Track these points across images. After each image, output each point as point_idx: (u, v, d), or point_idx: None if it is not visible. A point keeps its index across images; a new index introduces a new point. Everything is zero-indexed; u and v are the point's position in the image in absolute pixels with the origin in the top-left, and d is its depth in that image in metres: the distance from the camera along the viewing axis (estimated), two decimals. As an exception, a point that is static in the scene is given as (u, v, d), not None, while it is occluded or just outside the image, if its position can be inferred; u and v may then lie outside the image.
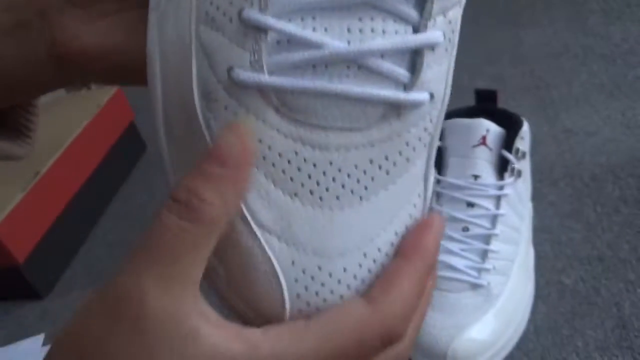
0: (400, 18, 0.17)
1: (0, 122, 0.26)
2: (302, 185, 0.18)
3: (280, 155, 0.18)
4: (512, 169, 0.43)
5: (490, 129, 0.42)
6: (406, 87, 0.18)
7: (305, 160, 0.18)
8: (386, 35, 0.17)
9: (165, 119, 0.19)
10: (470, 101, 0.49)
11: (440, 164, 0.44)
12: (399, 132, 0.18)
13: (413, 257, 0.19)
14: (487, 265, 0.41)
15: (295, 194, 0.18)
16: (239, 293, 0.18)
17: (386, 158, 0.18)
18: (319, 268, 0.18)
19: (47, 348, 0.53)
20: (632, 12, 0.74)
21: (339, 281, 0.18)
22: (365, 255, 0.19)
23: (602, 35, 0.72)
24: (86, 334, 0.15)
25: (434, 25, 0.18)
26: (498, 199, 0.42)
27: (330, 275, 0.18)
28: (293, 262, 0.18)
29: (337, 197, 0.18)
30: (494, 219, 0.42)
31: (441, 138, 0.44)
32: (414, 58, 0.18)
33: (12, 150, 0.26)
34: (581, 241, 0.47)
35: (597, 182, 0.52)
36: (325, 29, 0.17)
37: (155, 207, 0.17)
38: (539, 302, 0.43)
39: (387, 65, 0.18)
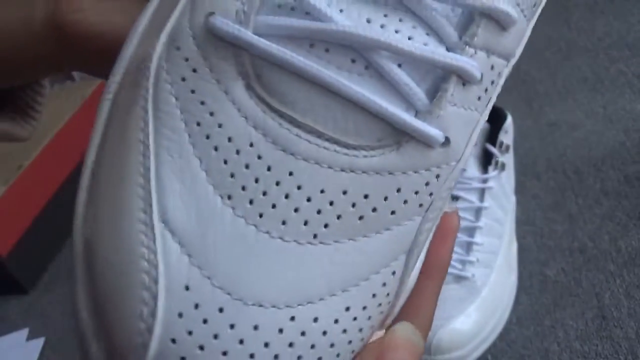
0: (435, 32, 0.14)
1: (6, 101, 0.25)
2: (243, 188, 0.13)
3: (230, 139, 0.13)
4: (496, 163, 0.43)
5: (474, 122, 0.43)
6: (418, 115, 0.14)
7: (259, 157, 0.13)
8: (410, 42, 0.14)
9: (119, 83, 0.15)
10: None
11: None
12: (391, 169, 0.14)
13: (436, 275, 0.17)
14: (471, 257, 0.41)
15: (229, 197, 0.13)
16: (97, 306, 0.13)
17: (365, 197, 0.14)
18: (220, 310, 0.13)
19: (31, 342, 0.53)
20: (616, 7, 0.75)
21: (241, 341, 0.13)
22: (293, 318, 0.13)
23: (586, 30, 0.73)
24: None
25: (472, 56, 0.15)
26: (482, 192, 0.43)
27: (231, 326, 0.13)
28: (187, 287, 0.13)
29: (284, 222, 0.13)
30: (478, 212, 0.43)
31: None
32: (438, 85, 0.14)
33: (14, 131, 0.25)
34: (563, 233, 0.48)
35: (579, 175, 0.52)
36: (341, 10, 0.14)
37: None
38: (522, 294, 0.44)
39: (403, 76, 0.14)
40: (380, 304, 0.15)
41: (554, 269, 0.45)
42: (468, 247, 0.42)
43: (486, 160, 0.43)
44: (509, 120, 0.45)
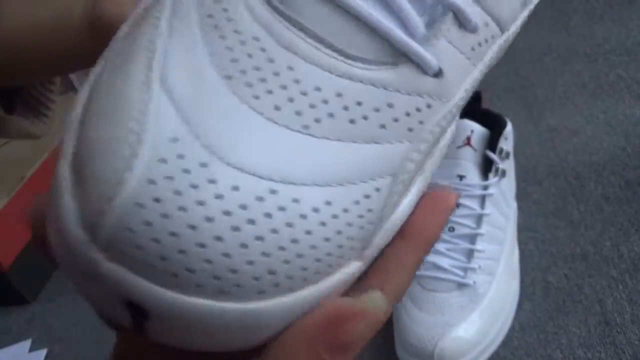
0: None
1: (19, 99, 0.25)
2: (243, 72, 0.14)
3: (236, 32, 0.14)
4: (497, 169, 0.44)
5: (474, 129, 0.43)
6: (416, 40, 0.15)
7: (262, 50, 0.14)
8: None
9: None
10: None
11: (425, 164, 0.45)
12: (386, 85, 0.15)
13: (417, 244, 0.17)
14: (473, 264, 0.41)
15: (229, 77, 0.14)
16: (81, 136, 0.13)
17: (358, 104, 0.15)
18: (203, 165, 0.13)
19: (34, 354, 0.53)
20: (614, 12, 0.76)
21: (221, 196, 0.13)
22: (274, 191, 0.13)
23: (585, 35, 0.73)
24: None
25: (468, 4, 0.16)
26: (483, 199, 0.43)
27: (211, 181, 0.13)
28: (174, 139, 0.13)
29: (277, 108, 0.14)
30: (479, 219, 0.43)
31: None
32: (437, 20, 0.16)
33: (29, 129, 0.25)
34: (565, 239, 0.48)
35: (580, 181, 0.52)
36: None
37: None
38: (524, 300, 0.44)
39: (406, 5, 0.15)
40: (361, 217, 0.15)
41: (556, 275, 0.45)
42: (469, 254, 0.42)
43: (486, 167, 0.43)
44: (509, 127, 0.46)
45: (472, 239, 0.42)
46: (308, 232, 0.14)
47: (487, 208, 0.43)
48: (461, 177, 0.43)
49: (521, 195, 0.51)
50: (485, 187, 0.43)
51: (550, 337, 0.41)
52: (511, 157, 0.47)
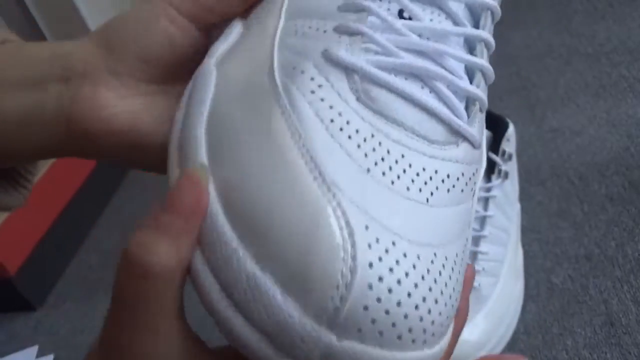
0: (458, 78, 0.20)
1: None
2: (376, 164, 0.17)
3: (357, 131, 0.18)
4: (499, 171, 0.44)
5: (476, 131, 0.43)
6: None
7: (380, 144, 0.18)
8: (456, 77, 0.20)
9: (212, 113, 0.19)
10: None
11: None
12: (457, 159, 0.19)
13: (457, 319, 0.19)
14: (477, 267, 0.41)
15: (368, 170, 0.17)
16: (285, 256, 0.15)
17: (448, 176, 0.19)
18: (393, 243, 0.16)
19: (41, 360, 0.54)
20: (615, 12, 0.76)
21: (414, 266, 0.16)
22: (435, 255, 0.17)
23: (586, 35, 0.73)
24: None
25: (477, 87, 0.21)
26: (486, 201, 0.43)
27: (404, 255, 0.16)
28: (367, 227, 0.16)
29: (408, 189, 0.18)
30: (482, 221, 0.43)
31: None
32: (467, 107, 0.20)
33: (5, 200, 0.25)
34: (569, 240, 0.47)
35: (584, 181, 0.52)
36: (406, 49, 0.20)
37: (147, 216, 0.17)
38: (529, 302, 0.44)
39: (454, 99, 0.19)
40: (462, 264, 0.19)
41: (561, 276, 0.45)
42: (473, 256, 0.42)
43: (489, 169, 0.43)
44: (511, 128, 0.46)
45: (476, 241, 0.42)
46: (446, 285, 0.17)
47: (491, 210, 0.43)
48: (464, 180, 0.43)
49: (524, 197, 0.51)
50: (488, 189, 0.43)
51: (555, 338, 0.41)
52: (514, 158, 0.47)
